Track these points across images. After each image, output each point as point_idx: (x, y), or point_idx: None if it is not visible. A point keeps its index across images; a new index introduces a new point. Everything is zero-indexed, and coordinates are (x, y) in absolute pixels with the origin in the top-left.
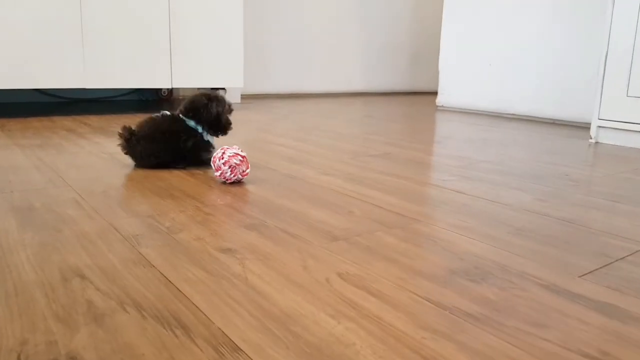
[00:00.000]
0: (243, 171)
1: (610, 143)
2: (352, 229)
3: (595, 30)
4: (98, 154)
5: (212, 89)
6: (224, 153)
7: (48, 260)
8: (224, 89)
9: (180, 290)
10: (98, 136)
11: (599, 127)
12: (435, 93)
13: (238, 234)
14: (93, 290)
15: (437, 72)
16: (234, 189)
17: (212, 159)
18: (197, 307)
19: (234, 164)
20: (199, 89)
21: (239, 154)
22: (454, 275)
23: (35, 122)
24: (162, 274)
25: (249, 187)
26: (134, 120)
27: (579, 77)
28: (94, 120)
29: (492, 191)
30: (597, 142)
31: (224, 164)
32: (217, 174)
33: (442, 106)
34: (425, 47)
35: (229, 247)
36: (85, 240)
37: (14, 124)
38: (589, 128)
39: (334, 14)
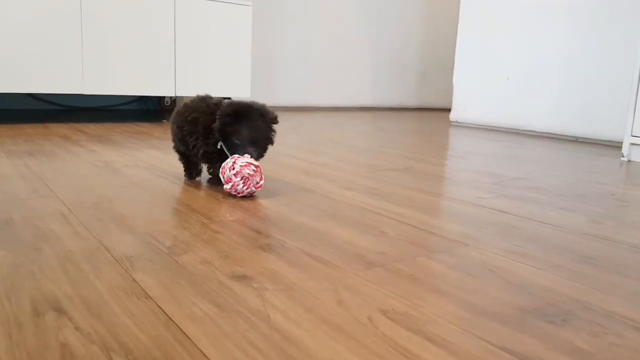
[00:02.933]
0: (257, 183)
1: None
2: (388, 252)
3: (618, 45)
4: (93, 162)
5: None
6: (234, 163)
7: (19, 287)
8: (229, 98)
9: (183, 331)
10: (95, 144)
11: (632, 144)
12: (444, 109)
13: (253, 256)
14: (71, 329)
15: (446, 88)
16: (245, 203)
17: (220, 169)
18: (205, 355)
19: (247, 175)
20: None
21: (252, 164)
22: (527, 315)
23: (27, 129)
24: (160, 308)
25: (262, 202)
26: (134, 130)
27: (601, 93)
28: (91, 128)
29: (538, 211)
30: (629, 160)
31: (235, 174)
32: (228, 186)
33: (456, 121)
34: (435, 63)
35: (243, 274)
36: (68, 262)
37: (4, 130)
38: (613, 146)
39: (343, 28)
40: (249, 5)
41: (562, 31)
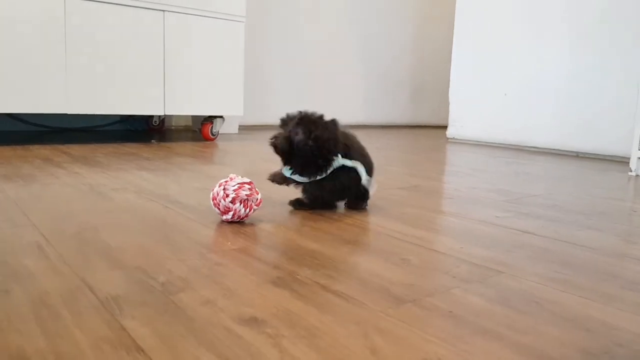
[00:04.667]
0: (257, 200)
1: None
2: (417, 285)
3: (619, 59)
4: (76, 185)
5: (209, 116)
6: (225, 189)
7: None
8: (221, 117)
9: None
10: (78, 166)
11: None
12: (437, 126)
13: (263, 293)
14: None
15: (438, 105)
16: (247, 228)
17: (211, 200)
18: None
19: (245, 197)
20: (193, 116)
21: (244, 183)
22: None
23: (6, 151)
24: None
25: (266, 226)
26: (121, 150)
27: (602, 107)
28: (75, 149)
29: (563, 230)
30: (637, 175)
31: (232, 202)
32: (228, 216)
33: (454, 138)
34: (427, 81)
35: (253, 316)
36: (42, 307)
37: None
38: (617, 161)
39: (336, 46)
40: (242, 22)
41: (561, 45)
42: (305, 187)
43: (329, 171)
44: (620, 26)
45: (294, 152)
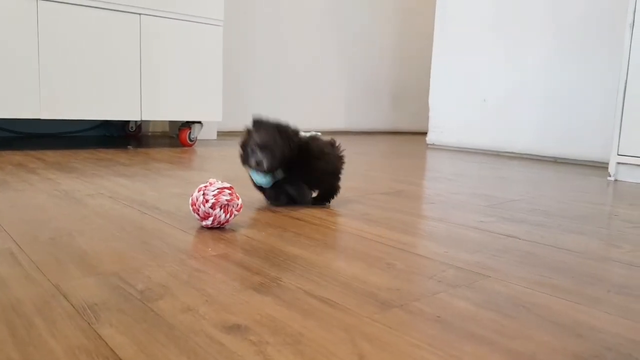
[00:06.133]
0: (237, 205)
1: (630, 180)
2: (403, 289)
3: (599, 65)
4: (50, 191)
5: (187, 122)
6: (205, 195)
7: None
8: (200, 122)
9: None
10: (52, 172)
11: (619, 163)
12: (417, 132)
13: (245, 300)
14: None
15: (418, 112)
16: (227, 234)
17: (190, 205)
18: None
19: (226, 202)
20: (171, 122)
21: (224, 188)
22: None
23: None
24: None
25: (247, 232)
26: (96, 156)
27: (581, 114)
28: (49, 155)
29: (547, 235)
30: (616, 180)
31: (212, 207)
32: (208, 222)
33: (433, 144)
34: (407, 88)
35: (236, 323)
36: (15, 315)
37: None
38: (594, 166)
39: (317, 52)
40: (220, 26)
41: (540, 52)
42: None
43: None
44: (600, 32)
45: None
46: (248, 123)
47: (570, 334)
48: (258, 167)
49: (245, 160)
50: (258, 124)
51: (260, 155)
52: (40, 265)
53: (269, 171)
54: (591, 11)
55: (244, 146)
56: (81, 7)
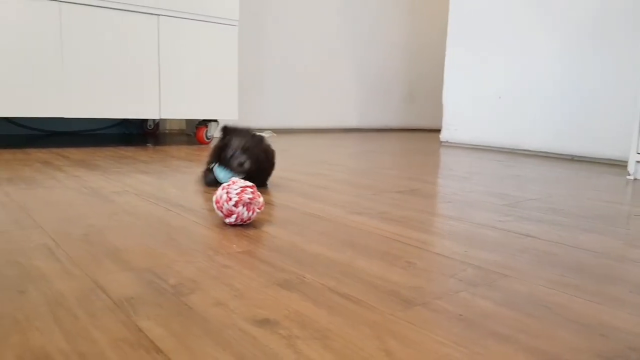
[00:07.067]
0: (259, 204)
1: None
2: (424, 287)
3: (616, 62)
4: (78, 188)
5: (204, 120)
6: (228, 193)
7: (1, 341)
8: (216, 120)
9: None
10: (78, 169)
11: (639, 162)
12: (429, 130)
13: (272, 295)
14: None
15: (430, 109)
16: (249, 231)
17: (214, 203)
18: None
19: (248, 200)
20: (188, 120)
21: (247, 187)
22: None
23: (5, 154)
24: None
25: (268, 229)
26: (118, 154)
27: (598, 111)
28: (73, 152)
29: (566, 234)
30: (635, 179)
31: (235, 205)
32: (231, 219)
33: (447, 142)
34: (419, 84)
35: (265, 317)
36: (59, 307)
37: None
38: (611, 164)
39: (329, 50)
40: (235, 26)
41: (556, 47)
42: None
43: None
44: (616, 27)
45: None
46: (221, 129)
47: (593, 334)
48: (240, 167)
49: (224, 161)
50: (232, 130)
51: (243, 157)
52: (77, 261)
53: (249, 172)
54: (610, 4)
55: (219, 150)
56: (102, 9)
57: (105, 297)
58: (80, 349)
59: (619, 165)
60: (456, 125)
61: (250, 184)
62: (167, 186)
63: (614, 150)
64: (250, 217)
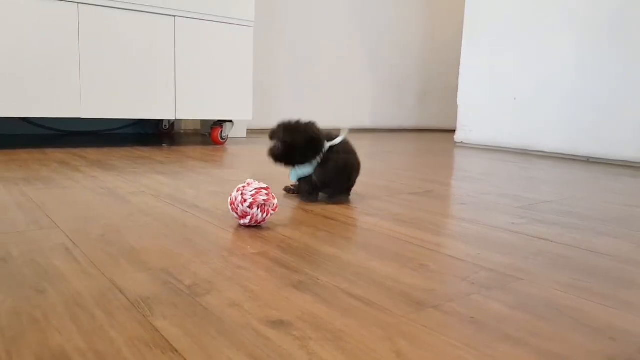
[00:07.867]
0: (274, 205)
1: None
2: (437, 290)
3: (630, 63)
4: (95, 189)
5: (219, 121)
6: (243, 194)
7: (20, 339)
8: (231, 121)
9: None
10: (95, 169)
11: None
12: (444, 130)
13: (287, 296)
14: None
15: (445, 110)
16: (264, 232)
17: (229, 205)
18: None
19: (263, 202)
20: (203, 120)
21: (261, 188)
22: None
23: (23, 154)
24: None
25: (282, 230)
26: (134, 154)
27: (613, 112)
28: (89, 152)
29: (580, 237)
30: None
31: (249, 207)
32: (246, 221)
33: (462, 142)
34: (434, 85)
35: (279, 319)
36: (77, 306)
37: None
38: (627, 166)
39: (344, 51)
40: (250, 27)
41: (571, 49)
42: (313, 180)
43: (321, 155)
44: (632, 29)
45: (287, 154)
46: (277, 121)
47: (604, 337)
48: (271, 151)
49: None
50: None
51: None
52: (94, 261)
53: (275, 158)
54: (626, 6)
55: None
56: (119, 10)
57: (121, 296)
58: (97, 347)
59: (635, 167)
60: (471, 126)
61: (265, 185)
62: (183, 187)
63: (630, 152)
64: (264, 218)
